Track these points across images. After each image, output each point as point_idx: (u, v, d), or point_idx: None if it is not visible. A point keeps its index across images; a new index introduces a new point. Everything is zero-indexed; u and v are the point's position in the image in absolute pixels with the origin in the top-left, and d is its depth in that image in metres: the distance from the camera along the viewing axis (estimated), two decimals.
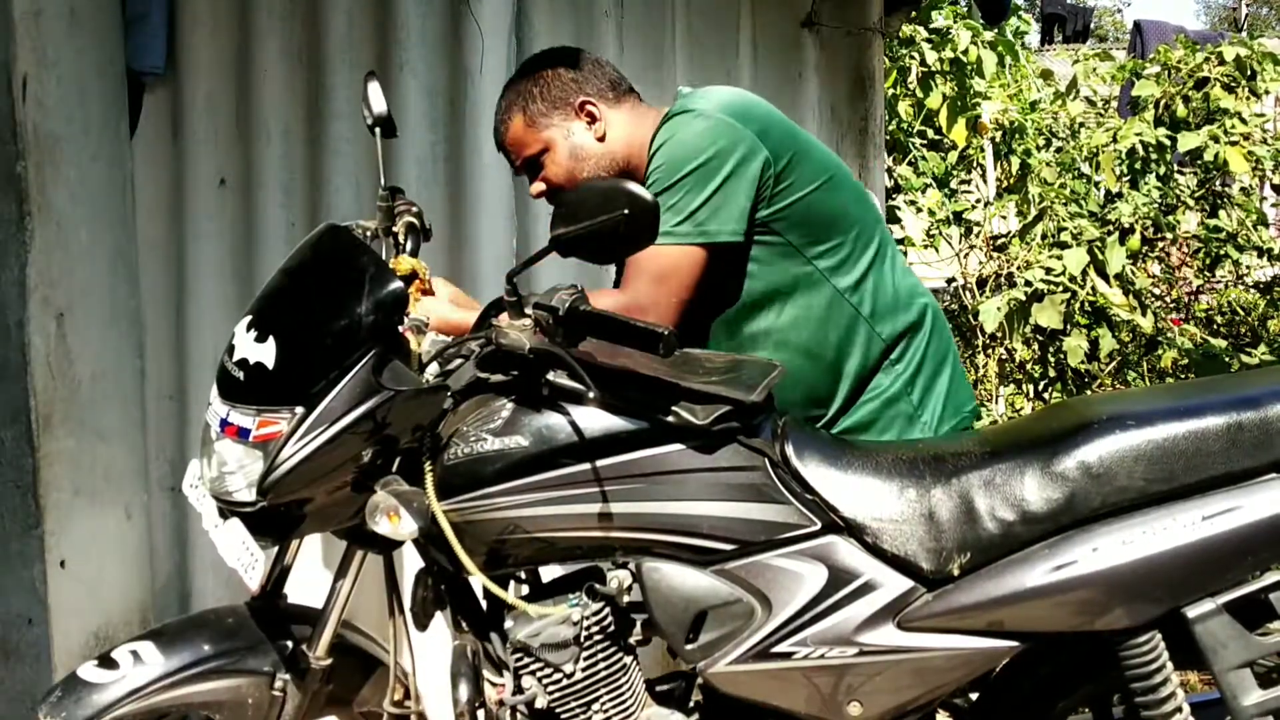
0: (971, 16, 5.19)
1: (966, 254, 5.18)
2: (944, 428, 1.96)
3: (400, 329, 1.60)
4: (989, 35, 5.10)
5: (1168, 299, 5.08)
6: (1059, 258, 4.47)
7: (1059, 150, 5.63)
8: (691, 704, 1.70)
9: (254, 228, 2.59)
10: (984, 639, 1.55)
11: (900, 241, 5.00)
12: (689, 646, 1.59)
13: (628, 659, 1.64)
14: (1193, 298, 5.20)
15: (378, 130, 1.90)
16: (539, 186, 1.97)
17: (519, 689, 1.63)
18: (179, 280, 2.58)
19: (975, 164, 5.66)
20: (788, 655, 1.57)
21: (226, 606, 1.82)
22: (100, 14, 2.29)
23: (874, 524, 1.58)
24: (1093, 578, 1.51)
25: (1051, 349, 4.65)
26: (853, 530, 1.59)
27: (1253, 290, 5.21)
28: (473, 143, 2.63)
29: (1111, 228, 4.61)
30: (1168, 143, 4.86)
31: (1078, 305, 4.49)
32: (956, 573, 1.56)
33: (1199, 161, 4.87)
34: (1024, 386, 4.80)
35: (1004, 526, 1.55)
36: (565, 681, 1.61)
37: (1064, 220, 4.70)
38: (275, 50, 2.59)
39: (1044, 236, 4.74)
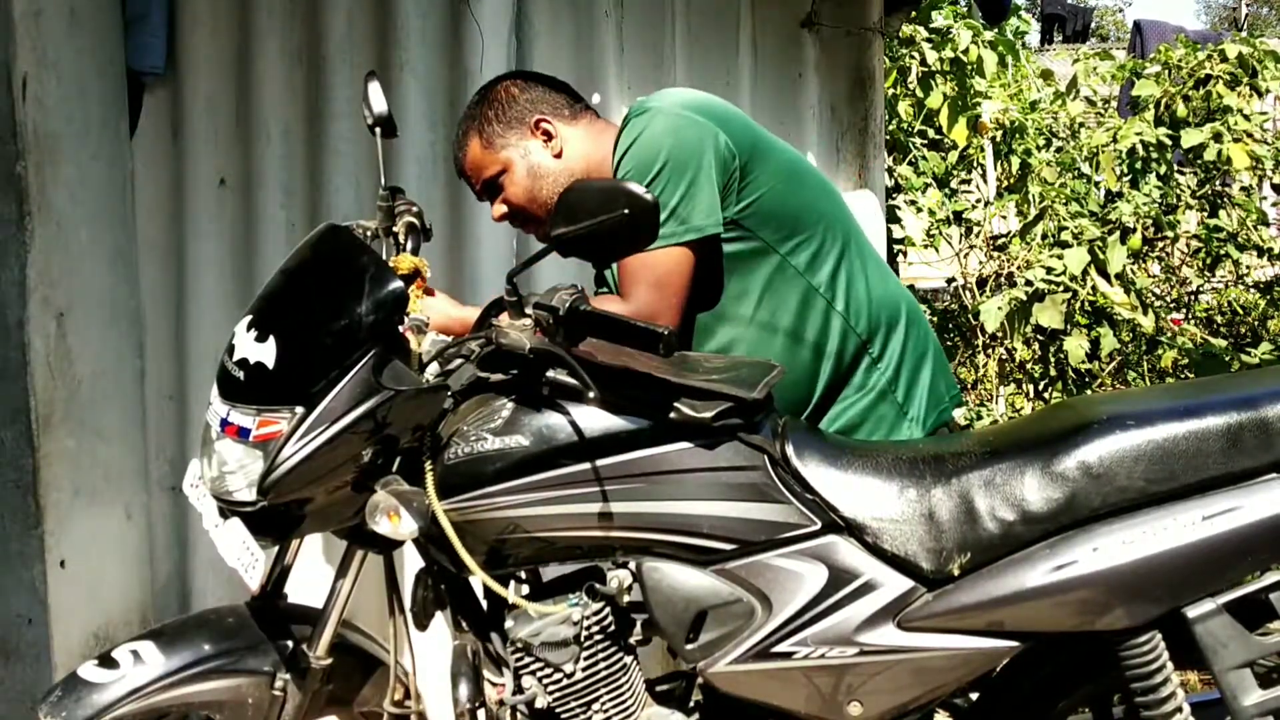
0: (971, 16, 5.19)
1: (966, 254, 5.18)
2: (929, 420, 1.96)
3: (400, 329, 1.61)
4: (989, 35, 5.10)
5: (1168, 299, 5.08)
6: (1059, 257, 4.47)
7: (1059, 150, 5.62)
8: (691, 704, 1.70)
9: (254, 228, 2.59)
10: (984, 639, 1.55)
11: (900, 241, 5.00)
12: (689, 646, 1.59)
13: (628, 659, 1.64)
14: (1193, 297, 5.21)
15: (378, 130, 1.90)
16: (500, 209, 1.96)
17: (519, 689, 1.63)
18: (179, 280, 2.58)
19: (975, 164, 5.66)
20: (788, 655, 1.57)
21: (226, 606, 1.82)
22: (100, 14, 2.29)
23: (874, 524, 1.58)
24: (1093, 578, 1.51)
25: (1052, 349, 4.65)
26: (853, 530, 1.59)
27: (1253, 290, 5.21)
28: None
29: (1112, 227, 4.60)
30: (1168, 142, 4.85)
31: (1078, 305, 4.48)
32: (957, 573, 1.56)
33: (1199, 161, 4.87)
34: (1024, 386, 4.80)
35: (1004, 526, 1.55)
36: (565, 681, 1.61)
37: (1064, 220, 4.70)
38: (275, 50, 2.59)
39: (1044, 236, 4.74)
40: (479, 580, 1.58)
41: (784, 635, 1.57)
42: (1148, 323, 4.49)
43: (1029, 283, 4.44)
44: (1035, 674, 1.66)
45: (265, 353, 1.53)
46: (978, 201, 5.45)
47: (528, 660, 1.62)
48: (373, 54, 2.60)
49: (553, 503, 1.57)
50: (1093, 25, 16.57)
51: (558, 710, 1.63)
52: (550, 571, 1.74)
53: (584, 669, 1.61)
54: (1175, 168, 5.10)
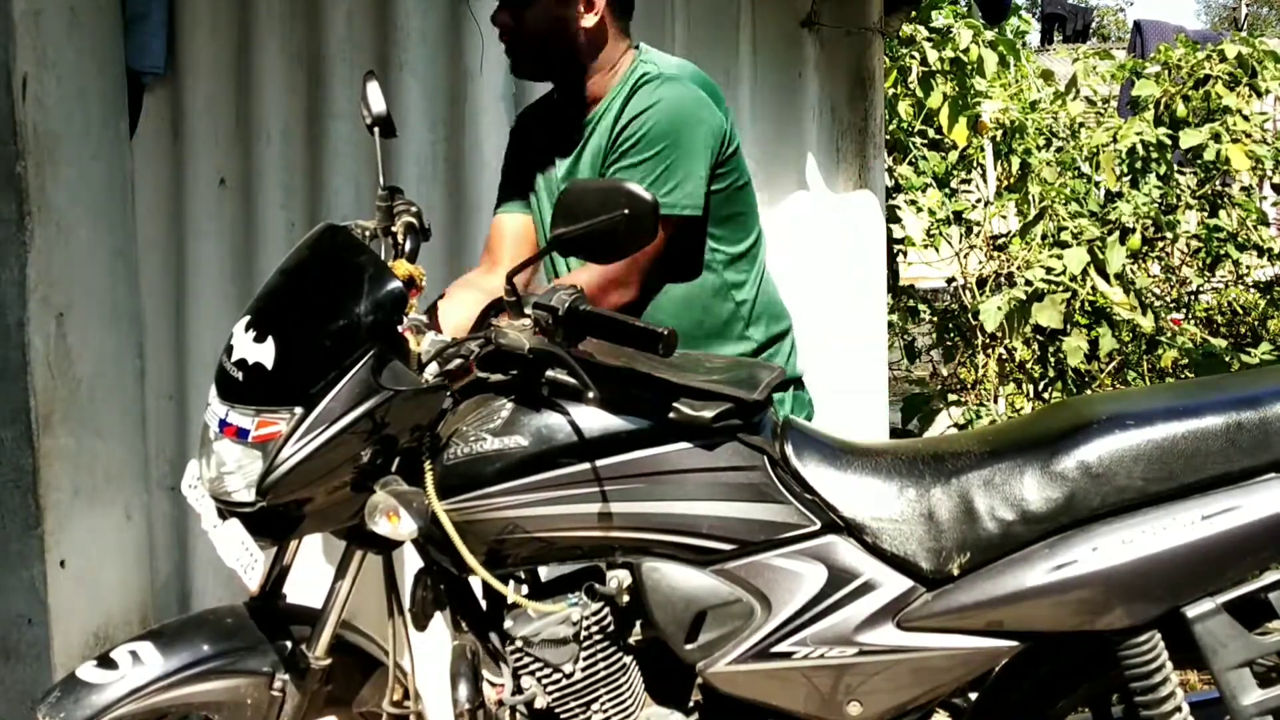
0: (972, 16, 5.19)
1: (966, 254, 5.17)
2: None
3: (399, 329, 1.60)
4: (989, 35, 5.09)
5: (1168, 299, 5.08)
6: (1059, 257, 4.47)
7: (1059, 150, 5.62)
8: (691, 704, 1.70)
9: (254, 228, 2.60)
10: (984, 639, 1.56)
11: (900, 241, 4.99)
12: (689, 646, 1.59)
13: (627, 659, 1.64)
14: (1193, 297, 5.20)
15: (377, 130, 1.90)
16: (505, 19, 1.97)
17: (518, 689, 1.63)
18: (179, 280, 2.58)
19: (975, 164, 5.66)
20: (787, 655, 1.57)
21: (226, 606, 1.82)
22: (100, 14, 2.29)
23: (874, 524, 1.58)
24: (1092, 577, 1.51)
25: (1051, 349, 4.65)
26: (852, 530, 1.59)
27: (1253, 290, 5.20)
28: (473, 143, 2.63)
29: (1112, 227, 4.60)
30: (1168, 142, 4.85)
31: (1078, 305, 4.48)
32: (956, 572, 1.56)
33: (1199, 161, 4.87)
34: (1024, 386, 4.80)
35: (1004, 526, 1.55)
36: (565, 681, 1.61)
37: (1064, 220, 4.70)
38: (275, 50, 2.59)
39: (1044, 236, 4.74)
40: (478, 580, 1.58)
41: (783, 635, 1.57)
42: (1146, 323, 4.48)
43: (1029, 282, 4.44)
44: (1035, 674, 1.65)
45: (264, 353, 1.53)
46: (978, 201, 5.44)
47: (527, 660, 1.62)
48: (373, 54, 2.60)
49: (552, 503, 1.57)
50: (1093, 25, 16.57)
51: (557, 710, 1.63)
52: (550, 571, 1.74)
53: (583, 669, 1.61)
54: (1175, 168, 5.09)
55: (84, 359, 2.27)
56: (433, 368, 1.60)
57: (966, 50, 5.01)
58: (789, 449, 1.61)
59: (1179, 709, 1.53)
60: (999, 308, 4.43)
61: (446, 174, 2.64)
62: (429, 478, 1.55)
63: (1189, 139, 4.70)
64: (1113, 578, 1.50)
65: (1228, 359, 4.29)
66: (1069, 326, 4.45)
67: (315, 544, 2.45)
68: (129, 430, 2.40)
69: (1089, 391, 4.61)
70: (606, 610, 1.61)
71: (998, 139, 5.47)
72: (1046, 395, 4.75)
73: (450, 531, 1.52)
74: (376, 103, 1.91)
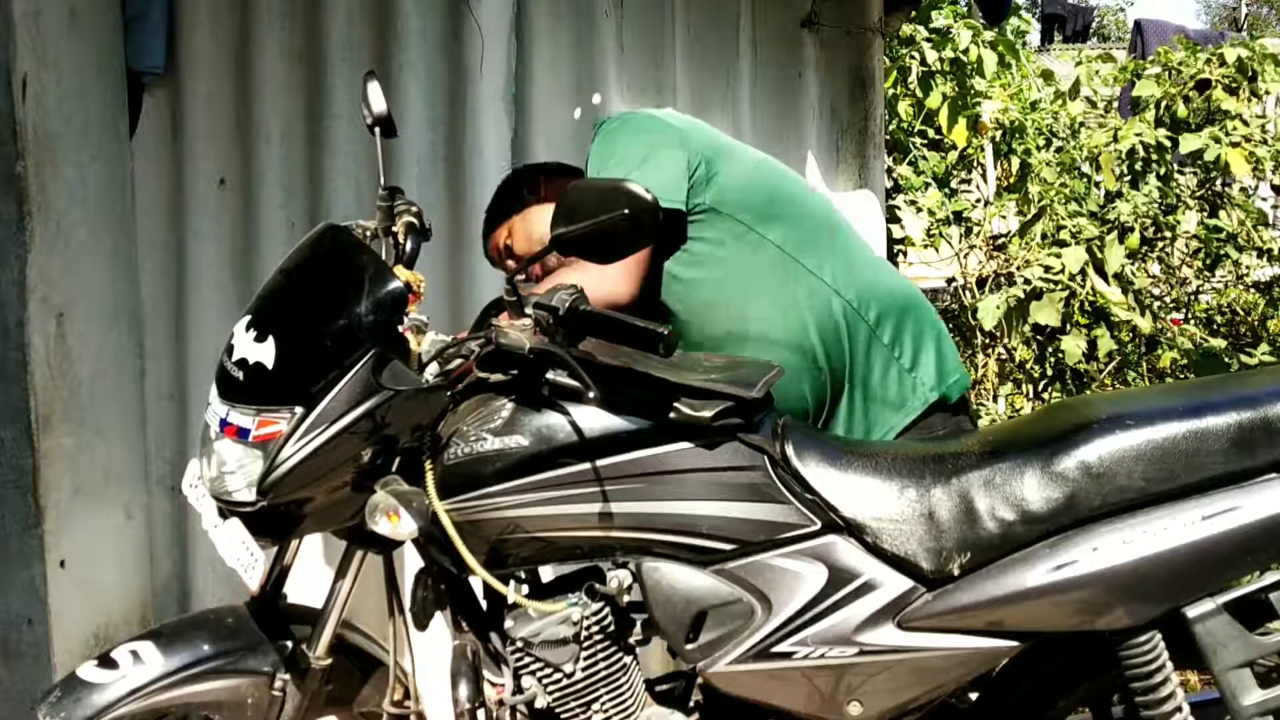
0: (971, 16, 5.19)
1: (966, 254, 5.17)
2: (943, 385, 1.99)
3: (400, 329, 1.60)
4: (989, 35, 5.10)
5: (1167, 299, 5.08)
6: (1058, 256, 4.47)
7: (1059, 150, 5.62)
8: (691, 704, 1.70)
9: (254, 228, 2.59)
10: (984, 639, 1.55)
11: (900, 241, 4.99)
12: (689, 646, 1.59)
13: (627, 659, 1.64)
14: (1192, 298, 5.20)
15: (378, 130, 1.90)
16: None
17: (519, 689, 1.63)
18: (179, 280, 2.58)
19: (975, 164, 5.66)
20: (788, 655, 1.57)
21: (226, 606, 1.82)
22: (100, 14, 2.29)
23: (874, 524, 1.58)
24: (1093, 577, 1.51)
25: (1050, 348, 4.64)
26: (853, 530, 1.59)
27: (1253, 290, 5.20)
28: (473, 143, 2.63)
29: (1111, 227, 4.60)
30: (1168, 143, 4.85)
31: (1077, 304, 4.48)
32: (956, 572, 1.56)
33: (1199, 162, 4.87)
34: (1023, 386, 4.80)
35: (1004, 526, 1.55)
36: (565, 681, 1.61)
37: (1063, 220, 4.70)
38: (275, 50, 2.59)
39: (1043, 236, 4.73)
40: (479, 580, 1.58)
41: (784, 635, 1.57)
42: (1146, 323, 4.48)
43: (1027, 281, 4.44)
44: (1035, 674, 1.66)
45: (264, 353, 1.53)
46: (977, 201, 5.45)
47: (527, 660, 1.62)
48: (373, 54, 2.60)
49: (552, 503, 1.57)
50: (1093, 25, 16.57)
51: (557, 710, 1.63)
52: (550, 571, 1.74)
53: (584, 669, 1.61)
54: (1175, 168, 5.09)
55: (84, 359, 2.27)
56: (433, 368, 1.61)
57: (966, 50, 5.02)
58: (789, 449, 1.61)
59: (1179, 709, 1.53)
60: (998, 306, 4.43)
61: (446, 174, 2.64)
62: (429, 477, 1.55)
63: (1188, 144, 4.70)
64: (1113, 578, 1.50)
65: (1228, 359, 4.29)
66: (1068, 326, 4.45)
67: (315, 544, 2.45)
68: (129, 430, 2.40)
69: (1088, 391, 4.61)
70: (607, 610, 1.62)
71: (997, 139, 5.47)
72: (1046, 395, 4.75)
73: (450, 531, 1.52)
74: (377, 103, 1.91)
